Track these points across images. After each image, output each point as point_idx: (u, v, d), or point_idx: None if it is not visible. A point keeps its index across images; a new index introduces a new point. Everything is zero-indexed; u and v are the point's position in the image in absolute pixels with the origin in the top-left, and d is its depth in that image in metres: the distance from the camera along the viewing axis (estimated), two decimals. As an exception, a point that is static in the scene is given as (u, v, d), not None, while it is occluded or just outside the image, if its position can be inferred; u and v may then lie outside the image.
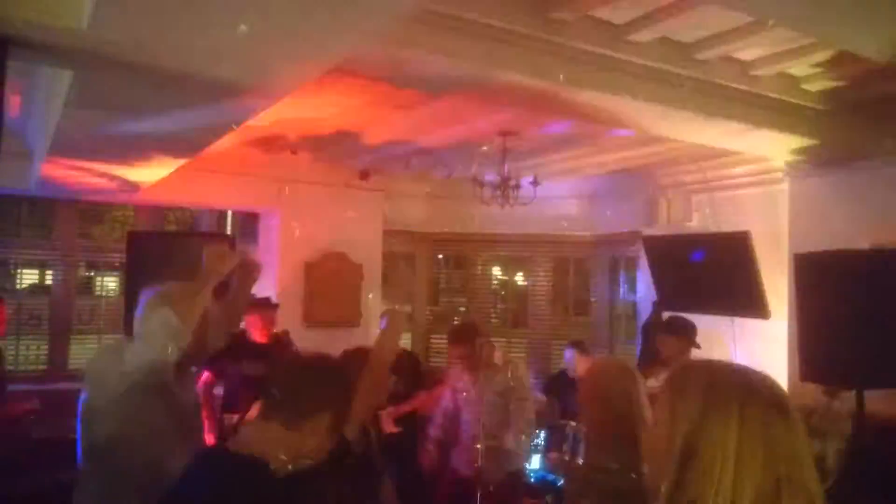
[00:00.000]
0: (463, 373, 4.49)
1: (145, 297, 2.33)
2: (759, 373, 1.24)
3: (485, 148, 5.38)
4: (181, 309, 2.19)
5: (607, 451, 2.32)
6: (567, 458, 4.73)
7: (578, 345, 5.71)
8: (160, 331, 2.11)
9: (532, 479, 4.79)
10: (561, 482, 4.69)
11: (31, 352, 6.45)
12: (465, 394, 4.40)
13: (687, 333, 4.24)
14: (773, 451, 1.12)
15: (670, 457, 1.17)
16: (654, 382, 2.59)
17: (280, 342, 4.86)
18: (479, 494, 4.04)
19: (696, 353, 4.14)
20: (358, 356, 3.24)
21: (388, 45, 2.86)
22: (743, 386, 1.18)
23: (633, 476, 2.11)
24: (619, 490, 2.15)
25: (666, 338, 4.27)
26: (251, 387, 3.69)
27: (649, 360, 4.76)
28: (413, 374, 5.09)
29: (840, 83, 3.98)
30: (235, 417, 3.78)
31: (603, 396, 2.44)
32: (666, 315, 4.89)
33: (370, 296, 6.90)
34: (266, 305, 5.06)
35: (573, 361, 5.63)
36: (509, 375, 4.46)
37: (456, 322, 5.65)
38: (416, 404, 5.19)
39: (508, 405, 4.38)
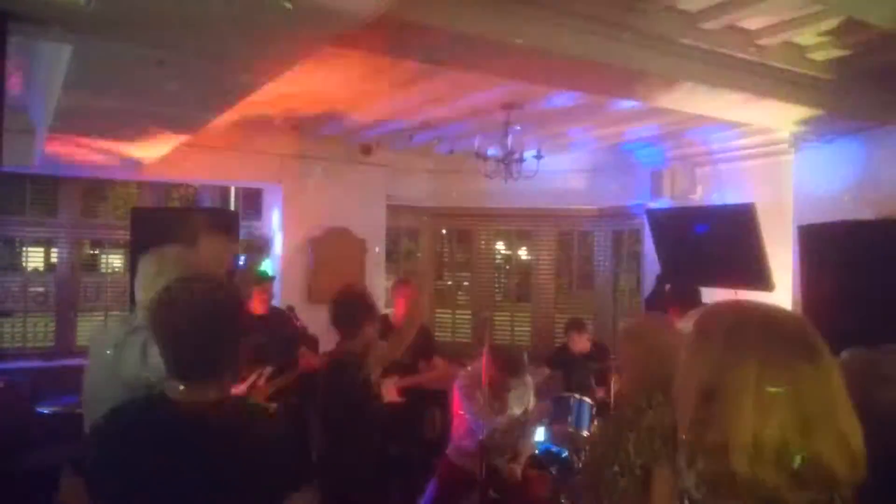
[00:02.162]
0: (482, 394, 4.24)
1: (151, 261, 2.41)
2: (788, 315, 1.22)
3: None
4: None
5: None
6: (571, 430, 4.81)
7: (574, 326, 5.76)
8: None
9: (537, 451, 4.83)
10: (566, 453, 4.75)
11: (38, 329, 6.50)
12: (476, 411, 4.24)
13: (697, 300, 4.19)
14: (799, 393, 1.11)
15: (692, 396, 1.19)
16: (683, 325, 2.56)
17: (279, 314, 4.90)
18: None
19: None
20: (352, 306, 3.29)
21: (393, 14, 2.83)
22: (764, 328, 1.17)
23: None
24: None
25: (673, 308, 4.16)
26: (250, 356, 3.73)
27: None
28: (424, 346, 5.10)
29: (846, 52, 3.93)
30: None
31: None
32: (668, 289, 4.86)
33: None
34: (263, 278, 5.12)
35: (572, 339, 5.69)
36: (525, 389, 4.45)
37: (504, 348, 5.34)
38: (424, 380, 5.20)
39: (517, 433, 4.37)
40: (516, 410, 4.36)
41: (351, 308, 3.28)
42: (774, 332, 1.17)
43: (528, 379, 4.55)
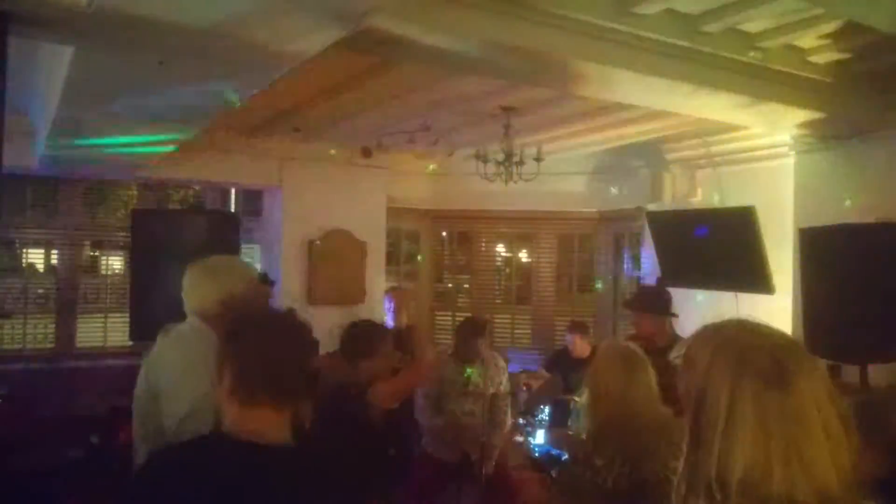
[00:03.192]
0: (448, 360, 4.55)
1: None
2: (766, 338, 1.22)
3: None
4: None
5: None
6: (571, 432, 4.80)
7: (578, 328, 5.75)
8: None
9: (536, 454, 4.83)
10: (565, 456, 4.74)
11: (38, 331, 6.49)
12: (444, 384, 4.44)
13: (662, 309, 4.08)
14: (763, 418, 1.11)
15: (687, 407, 1.21)
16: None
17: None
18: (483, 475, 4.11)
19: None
20: (368, 329, 3.30)
21: (391, 18, 2.83)
22: (739, 353, 1.18)
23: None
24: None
25: (643, 315, 4.10)
26: None
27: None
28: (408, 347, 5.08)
29: (847, 55, 3.93)
30: None
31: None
32: (640, 289, 4.84)
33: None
34: (263, 281, 5.09)
35: (574, 342, 5.68)
36: (497, 371, 4.56)
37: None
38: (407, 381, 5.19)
39: (495, 401, 4.47)
40: (486, 388, 4.43)
41: (360, 337, 3.31)
42: (745, 356, 1.17)
43: (502, 362, 4.72)
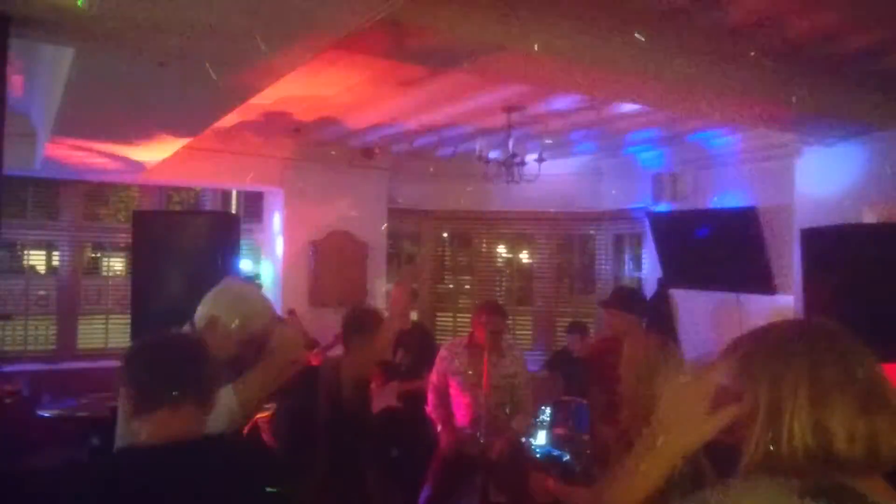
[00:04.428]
0: (463, 351, 4.38)
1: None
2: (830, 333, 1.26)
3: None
4: (244, 397, 2.22)
5: None
6: (572, 433, 4.80)
7: (578, 329, 5.75)
8: (220, 417, 2.04)
9: (538, 455, 4.82)
10: (567, 457, 4.73)
11: (39, 332, 6.50)
12: (459, 376, 4.31)
13: (638, 309, 3.97)
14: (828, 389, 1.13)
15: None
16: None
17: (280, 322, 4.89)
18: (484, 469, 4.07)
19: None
20: (358, 318, 3.32)
21: (394, 18, 2.83)
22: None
23: None
24: None
25: (617, 313, 3.94)
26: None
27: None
28: (422, 348, 5.07)
29: (849, 55, 3.92)
30: None
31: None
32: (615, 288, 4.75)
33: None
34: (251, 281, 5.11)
35: (575, 343, 5.68)
36: (514, 360, 4.45)
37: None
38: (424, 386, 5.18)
39: (514, 390, 4.33)
40: (511, 368, 4.32)
41: (348, 321, 3.36)
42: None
43: (518, 350, 4.58)
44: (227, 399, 2.10)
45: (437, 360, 4.47)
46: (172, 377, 1.70)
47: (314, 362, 4.62)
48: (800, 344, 1.20)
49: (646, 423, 1.33)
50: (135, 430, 1.69)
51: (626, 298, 4.06)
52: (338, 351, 4.22)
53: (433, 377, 4.47)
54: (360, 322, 3.31)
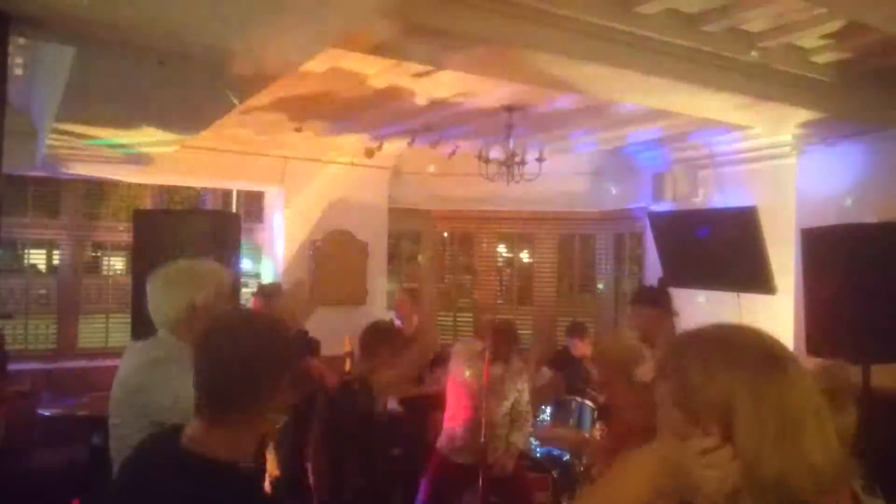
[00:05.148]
0: (475, 361, 4.29)
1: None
2: (750, 333, 1.22)
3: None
4: None
5: None
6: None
7: (577, 331, 5.75)
8: None
9: (538, 454, 4.82)
10: (567, 456, 4.73)
11: (39, 331, 6.50)
12: (465, 387, 4.30)
13: (667, 304, 4.03)
14: (759, 405, 1.11)
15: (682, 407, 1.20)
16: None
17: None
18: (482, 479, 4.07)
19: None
20: (382, 330, 3.34)
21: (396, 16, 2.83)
22: (729, 349, 1.18)
23: None
24: None
25: (641, 310, 3.98)
26: None
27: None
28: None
29: (849, 55, 3.92)
30: None
31: None
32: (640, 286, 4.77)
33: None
34: (272, 293, 5.01)
35: (574, 344, 5.68)
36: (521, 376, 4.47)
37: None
38: (430, 390, 5.16)
39: (518, 407, 4.40)
40: (513, 393, 4.36)
41: (371, 334, 3.37)
42: (738, 354, 1.17)
43: (520, 364, 4.56)
44: None
45: (453, 354, 4.46)
46: (227, 387, 1.52)
47: (316, 370, 4.61)
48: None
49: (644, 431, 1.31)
50: None
51: (655, 295, 4.16)
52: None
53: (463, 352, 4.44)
54: (388, 335, 3.33)
